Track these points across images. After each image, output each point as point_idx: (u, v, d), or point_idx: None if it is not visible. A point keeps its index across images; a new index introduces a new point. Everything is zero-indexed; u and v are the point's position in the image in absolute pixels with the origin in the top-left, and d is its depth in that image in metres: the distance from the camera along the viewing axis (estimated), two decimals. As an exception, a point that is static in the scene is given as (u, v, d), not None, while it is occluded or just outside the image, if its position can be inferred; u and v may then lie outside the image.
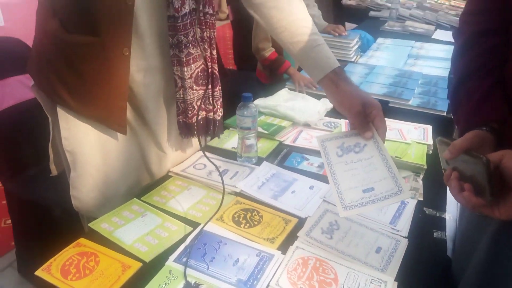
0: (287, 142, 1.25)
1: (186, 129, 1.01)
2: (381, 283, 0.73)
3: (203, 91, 1.00)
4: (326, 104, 1.43)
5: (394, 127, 1.27)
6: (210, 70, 0.98)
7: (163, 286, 0.72)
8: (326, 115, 1.40)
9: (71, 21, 0.86)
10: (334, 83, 0.88)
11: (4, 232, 1.99)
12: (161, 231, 0.86)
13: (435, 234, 0.89)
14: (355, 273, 0.76)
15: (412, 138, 1.21)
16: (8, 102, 1.32)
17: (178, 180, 1.05)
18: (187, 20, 0.89)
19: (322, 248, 0.81)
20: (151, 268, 0.77)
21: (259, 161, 1.13)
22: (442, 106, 1.49)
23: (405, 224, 0.90)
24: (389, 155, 0.80)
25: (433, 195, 1.01)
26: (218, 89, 1.02)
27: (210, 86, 1.00)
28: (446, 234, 0.89)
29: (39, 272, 0.75)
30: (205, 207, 0.94)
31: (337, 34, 1.94)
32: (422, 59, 2.06)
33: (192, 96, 0.97)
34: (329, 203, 0.95)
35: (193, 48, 0.93)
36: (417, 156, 1.11)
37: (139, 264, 0.77)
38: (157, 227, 0.87)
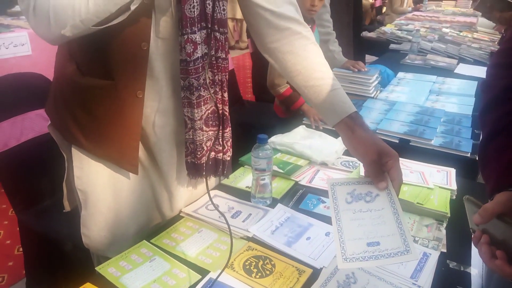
0: (303, 183, 1.21)
1: (194, 169, 0.99)
2: None
3: (212, 132, 0.98)
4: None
5: (416, 170, 1.22)
6: (220, 111, 0.97)
7: None
8: (344, 154, 1.36)
9: (86, 65, 0.87)
10: (349, 129, 0.85)
11: (17, 259, 2.00)
12: (168, 279, 0.82)
13: (459, 292, 0.83)
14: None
15: (434, 182, 1.15)
16: (27, 136, 1.34)
17: (190, 222, 1.02)
18: (199, 64, 0.88)
19: (337, 305, 0.77)
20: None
21: (273, 202, 1.10)
22: (466, 147, 1.43)
23: (427, 279, 0.84)
24: (401, 210, 0.75)
25: (457, 246, 0.95)
26: (228, 130, 1.01)
27: (220, 128, 0.98)
28: (472, 292, 0.83)
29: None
30: (215, 252, 0.91)
31: (356, 70, 1.92)
32: (444, 95, 2.01)
33: (201, 137, 0.96)
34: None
35: (204, 91, 0.92)
36: (440, 203, 1.05)
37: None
38: (164, 274, 0.84)
